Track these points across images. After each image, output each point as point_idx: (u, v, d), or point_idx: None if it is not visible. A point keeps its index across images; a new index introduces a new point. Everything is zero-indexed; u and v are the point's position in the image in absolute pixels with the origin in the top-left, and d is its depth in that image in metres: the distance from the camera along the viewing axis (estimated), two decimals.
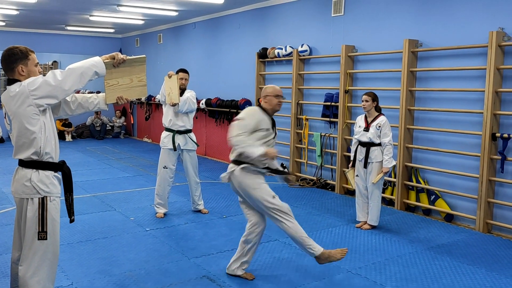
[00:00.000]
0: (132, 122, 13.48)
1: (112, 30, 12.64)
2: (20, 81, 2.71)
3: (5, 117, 2.84)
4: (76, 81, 2.71)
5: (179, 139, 5.39)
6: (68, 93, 2.73)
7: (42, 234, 2.76)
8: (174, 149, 5.36)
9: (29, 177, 2.72)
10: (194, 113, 5.54)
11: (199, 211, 5.65)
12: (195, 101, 5.40)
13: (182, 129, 5.40)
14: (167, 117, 5.42)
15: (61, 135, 12.41)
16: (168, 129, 5.44)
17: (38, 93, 2.64)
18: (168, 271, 3.89)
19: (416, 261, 4.20)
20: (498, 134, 4.93)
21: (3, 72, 13.19)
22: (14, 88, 2.67)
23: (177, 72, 5.42)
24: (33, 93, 2.63)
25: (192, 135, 5.50)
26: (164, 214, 5.48)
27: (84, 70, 2.75)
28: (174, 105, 5.21)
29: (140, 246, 4.50)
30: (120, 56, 2.93)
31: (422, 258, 4.27)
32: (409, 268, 4.02)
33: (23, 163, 2.75)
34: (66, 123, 12.58)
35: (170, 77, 5.17)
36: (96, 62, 2.80)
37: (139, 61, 3.06)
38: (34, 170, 2.74)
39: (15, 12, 9.43)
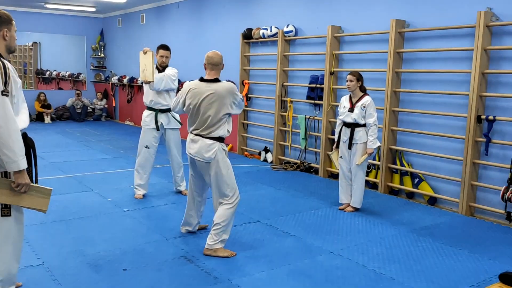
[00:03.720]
0: (114, 104, 13.19)
1: (93, 9, 12.27)
2: None
3: None
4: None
5: (162, 118, 5.23)
6: None
7: (6, 211, 2.60)
8: (157, 128, 5.19)
9: None
10: (175, 91, 5.35)
11: (180, 192, 5.51)
12: (175, 78, 5.20)
13: (164, 107, 5.22)
14: (148, 95, 5.23)
15: (40, 117, 12.09)
16: (149, 108, 5.26)
17: None
18: (145, 251, 3.76)
19: (398, 242, 4.14)
20: (483, 116, 4.87)
21: None
22: None
23: (157, 49, 5.23)
24: None
25: (175, 113, 5.32)
26: (143, 195, 5.33)
27: (9, 151, 2.45)
28: (148, 83, 5.02)
29: (116, 226, 4.35)
30: (23, 186, 2.56)
31: (405, 240, 4.21)
32: (391, 250, 3.96)
33: None
34: (45, 105, 12.25)
35: (145, 53, 4.97)
36: (13, 162, 2.46)
37: (44, 192, 2.67)
38: None
39: None
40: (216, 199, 3.73)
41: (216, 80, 3.74)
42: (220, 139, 3.71)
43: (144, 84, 5.25)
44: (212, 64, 3.75)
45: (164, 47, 5.24)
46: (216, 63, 3.75)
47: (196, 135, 3.72)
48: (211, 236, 3.69)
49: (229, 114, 3.75)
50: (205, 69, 3.79)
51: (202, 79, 3.78)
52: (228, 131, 3.76)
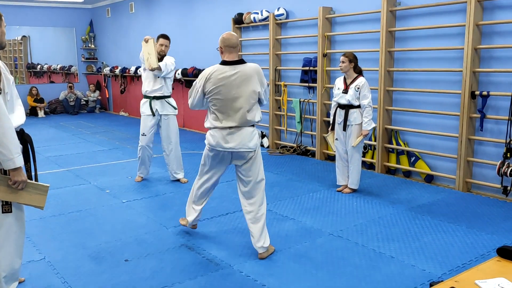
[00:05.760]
0: (107, 96, 13.11)
1: (81, 0, 12.10)
2: None
3: None
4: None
5: (157, 104, 5.34)
6: None
7: (7, 207, 2.61)
8: (153, 114, 5.26)
9: None
10: (171, 79, 5.48)
11: (178, 180, 5.54)
12: (173, 67, 5.36)
13: (158, 94, 5.32)
14: (145, 83, 5.36)
15: (33, 112, 12.01)
16: (146, 96, 5.38)
17: None
18: (145, 241, 3.77)
19: (397, 221, 4.17)
20: (477, 92, 4.88)
21: None
22: None
23: (157, 38, 5.35)
24: None
25: (170, 100, 5.42)
26: (142, 178, 5.62)
27: (4, 149, 2.43)
28: (153, 69, 5.10)
29: (116, 218, 4.36)
30: (20, 183, 2.56)
31: (403, 218, 4.25)
32: (390, 228, 3.99)
33: None
34: (38, 99, 12.15)
35: (147, 41, 5.07)
36: (9, 160, 2.45)
37: (41, 189, 2.66)
38: None
39: None
40: (254, 185, 3.48)
41: (242, 61, 3.34)
42: (254, 125, 3.44)
43: (143, 72, 5.34)
44: (230, 46, 3.32)
45: (164, 36, 5.40)
46: (234, 45, 3.33)
47: (232, 127, 3.33)
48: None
49: (259, 99, 3.42)
50: (221, 53, 3.36)
51: (224, 62, 3.33)
52: (260, 116, 3.45)
